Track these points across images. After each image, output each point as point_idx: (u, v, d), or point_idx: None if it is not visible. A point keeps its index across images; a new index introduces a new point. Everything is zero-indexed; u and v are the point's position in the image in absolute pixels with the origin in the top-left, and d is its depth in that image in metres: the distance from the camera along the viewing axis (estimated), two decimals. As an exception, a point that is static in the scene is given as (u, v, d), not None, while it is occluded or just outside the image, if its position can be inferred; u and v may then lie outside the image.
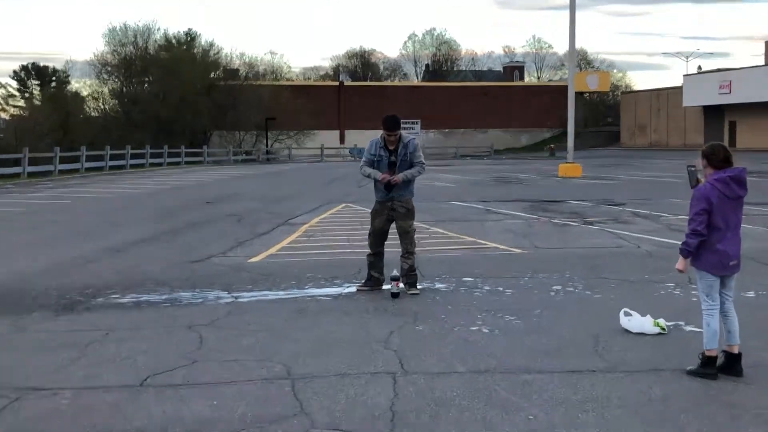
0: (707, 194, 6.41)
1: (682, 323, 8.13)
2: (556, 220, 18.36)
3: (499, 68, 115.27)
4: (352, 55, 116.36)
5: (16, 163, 42.50)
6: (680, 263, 6.56)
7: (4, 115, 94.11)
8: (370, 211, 10.43)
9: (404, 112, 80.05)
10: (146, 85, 76.78)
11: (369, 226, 10.23)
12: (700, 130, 75.35)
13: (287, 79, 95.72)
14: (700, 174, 6.60)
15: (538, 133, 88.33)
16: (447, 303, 9.26)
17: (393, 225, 10.07)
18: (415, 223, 10.21)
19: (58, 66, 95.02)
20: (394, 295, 9.53)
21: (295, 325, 8.22)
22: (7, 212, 21.26)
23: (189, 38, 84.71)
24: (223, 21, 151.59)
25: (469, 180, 35.45)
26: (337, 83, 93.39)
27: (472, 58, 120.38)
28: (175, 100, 71.21)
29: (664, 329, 7.79)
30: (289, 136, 78.01)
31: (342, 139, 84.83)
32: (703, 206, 6.39)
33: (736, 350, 6.54)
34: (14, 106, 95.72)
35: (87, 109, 77.61)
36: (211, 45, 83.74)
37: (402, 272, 9.88)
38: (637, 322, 7.86)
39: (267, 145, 73.99)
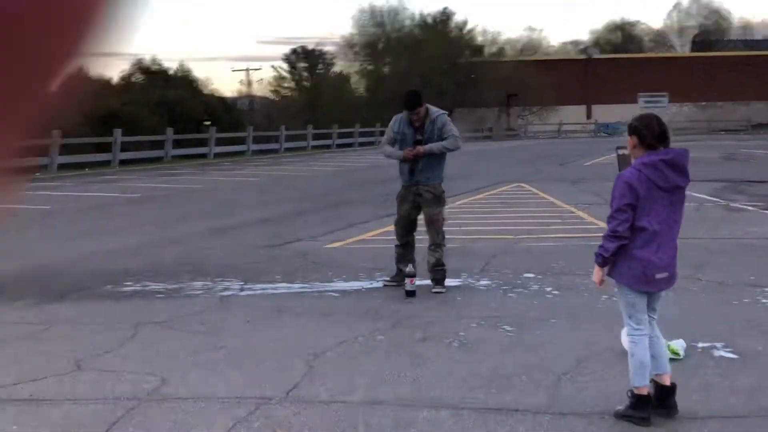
0: (632, 183, 4.68)
1: (719, 345, 6.22)
2: (735, 204, 15.89)
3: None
4: (612, 28, 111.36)
5: (262, 140, 44.68)
6: (596, 273, 4.90)
7: (275, 97, 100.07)
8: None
9: (656, 85, 75.57)
10: (390, 65, 77.75)
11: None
12: None
13: (545, 53, 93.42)
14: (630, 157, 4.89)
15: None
16: (460, 306, 7.77)
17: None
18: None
19: (309, 47, 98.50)
20: (409, 294, 8.16)
21: (250, 328, 7.10)
22: (185, 189, 21.52)
23: (445, 17, 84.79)
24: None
25: (692, 157, 32.25)
26: (584, 57, 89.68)
27: (744, 27, 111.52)
28: (416, 79, 71.49)
29: (677, 355, 5.93)
30: (532, 112, 76.05)
31: (588, 114, 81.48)
32: (628, 200, 4.67)
33: (667, 381, 4.84)
34: (285, 88, 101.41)
35: (348, 88, 79.75)
36: (465, 23, 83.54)
37: (428, 267, 8.49)
38: (642, 343, 6.04)
39: (507, 123, 72.58)
